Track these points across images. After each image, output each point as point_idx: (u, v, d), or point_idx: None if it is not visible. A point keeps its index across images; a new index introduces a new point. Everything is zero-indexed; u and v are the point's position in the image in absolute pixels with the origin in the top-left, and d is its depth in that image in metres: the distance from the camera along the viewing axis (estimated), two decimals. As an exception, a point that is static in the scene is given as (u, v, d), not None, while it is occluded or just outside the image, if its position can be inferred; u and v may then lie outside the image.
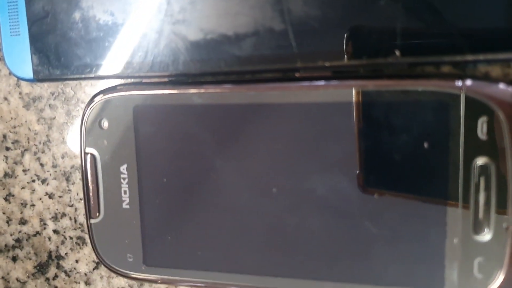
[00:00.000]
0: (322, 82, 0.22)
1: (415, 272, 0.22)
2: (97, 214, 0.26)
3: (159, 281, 0.25)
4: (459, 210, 0.21)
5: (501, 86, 0.20)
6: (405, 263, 0.22)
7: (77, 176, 0.28)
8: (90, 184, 0.25)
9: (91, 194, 0.26)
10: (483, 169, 0.20)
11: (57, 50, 0.25)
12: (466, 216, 0.21)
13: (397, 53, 0.21)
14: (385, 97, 0.21)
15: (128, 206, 0.25)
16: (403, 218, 0.22)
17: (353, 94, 0.21)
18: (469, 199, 0.21)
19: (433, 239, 0.21)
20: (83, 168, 0.25)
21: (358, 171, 0.22)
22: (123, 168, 0.25)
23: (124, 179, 0.25)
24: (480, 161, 0.20)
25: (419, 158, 0.21)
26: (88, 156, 0.25)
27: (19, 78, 0.26)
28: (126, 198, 0.25)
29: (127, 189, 0.25)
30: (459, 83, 0.20)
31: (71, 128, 0.28)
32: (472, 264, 0.21)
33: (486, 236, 0.21)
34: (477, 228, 0.21)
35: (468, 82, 0.20)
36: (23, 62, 0.26)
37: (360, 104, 0.21)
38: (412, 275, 0.22)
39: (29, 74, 0.26)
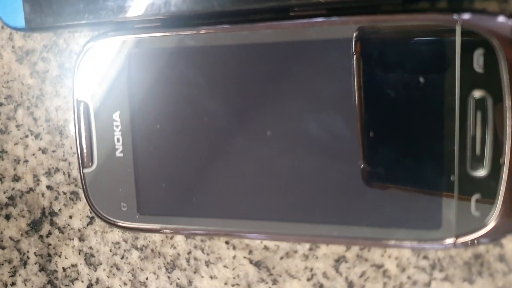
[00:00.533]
0: (317, 19, 0.22)
1: (411, 212, 0.21)
2: (90, 164, 0.25)
3: (154, 230, 0.25)
4: (455, 146, 0.20)
5: (500, 19, 0.20)
6: (401, 203, 0.22)
7: (70, 130, 0.28)
8: (83, 133, 0.25)
9: (84, 143, 0.25)
10: (480, 102, 0.20)
11: (49, -3, 0.25)
12: (463, 152, 0.20)
13: (392, -13, 0.20)
14: (381, 34, 0.21)
15: (121, 154, 0.25)
16: (398, 156, 0.21)
17: (348, 30, 0.21)
18: (466, 134, 0.20)
19: (429, 178, 0.21)
20: (76, 117, 0.25)
21: (355, 110, 0.21)
22: (116, 115, 0.25)
23: (117, 126, 0.25)
24: (477, 94, 0.20)
25: (415, 93, 0.21)
26: (81, 104, 0.25)
27: (11, 28, 0.26)
28: (119, 146, 0.25)
29: (120, 137, 0.25)
30: (455, 16, 0.20)
31: (65, 81, 0.28)
32: (470, 201, 0.21)
33: (482, 172, 0.20)
34: (474, 164, 0.20)
35: (466, 15, 0.20)
36: (15, 11, 0.25)
37: (357, 41, 0.21)
38: (408, 215, 0.21)
39: (22, 23, 0.25)
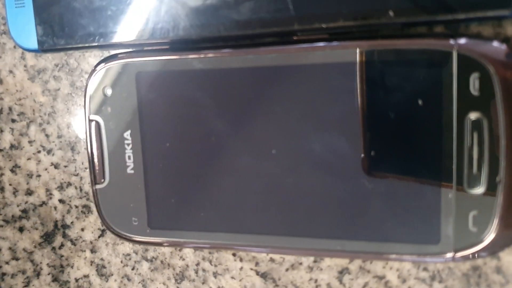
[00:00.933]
0: (319, 44, 0.22)
1: (411, 227, 0.22)
2: (102, 180, 0.26)
3: (164, 244, 0.26)
4: (453, 165, 0.21)
5: (495, 44, 0.21)
6: (402, 219, 0.23)
7: (81, 146, 0.29)
8: (95, 151, 0.26)
9: (96, 160, 0.26)
10: (476, 124, 0.21)
11: (61, 20, 0.25)
12: (460, 171, 0.21)
13: (391, 13, 0.21)
14: (379, 58, 0.22)
15: (132, 171, 0.26)
16: (398, 174, 0.22)
17: (349, 54, 0.22)
18: (463, 155, 0.21)
19: (428, 195, 0.22)
20: (88, 135, 0.26)
21: (357, 130, 0.22)
22: (127, 134, 0.26)
23: (128, 144, 0.26)
24: (473, 116, 0.21)
25: (414, 114, 0.22)
26: (93, 123, 0.26)
27: (24, 49, 0.27)
28: (130, 163, 0.26)
29: (131, 155, 0.26)
30: (452, 41, 0.21)
31: (76, 99, 0.29)
32: (467, 217, 0.22)
33: (479, 190, 0.21)
34: (471, 182, 0.21)
35: (461, 40, 0.21)
36: (28, 33, 0.26)
37: (357, 64, 0.22)
38: (409, 230, 0.22)
39: (34, 45, 0.26)
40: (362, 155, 0.23)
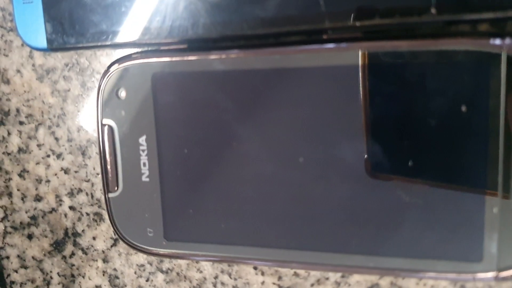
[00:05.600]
0: (351, 44, 0.21)
1: (453, 244, 0.21)
2: (116, 188, 0.25)
3: (181, 257, 0.24)
4: (499, 178, 0.20)
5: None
6: (443, 235, 0.21)
7: (93, 150, 0.27)
8: (107, 157, 0.25)
9: (109, 167, 0.25)
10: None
11: (72, 17, 0.24)
12: (507, 183, 0.20)
13: (433, 10, 0.19)
14: (418, 58, 0.20)
15: (147, 179, 0.24)
16: (439, 187, 0.20)
17: (383, 55, 0.20)
18: (510, 166, 0.19)
19: (471, 209, 0.20)
20: (101, 140, 0.24)
21: (394, 138, 0.21)
22: (142, 139, 0.24)
23: (143, 150, 0.24)
24: None
25: (457, 121, 0.20)
26: (106, 128, 0.24)
27: (32, 48, 0.25)
28: (145, 170, 0.24)
29: (146, 161, 0.24)
30: (498, 41, 0.19)
31: (87, 100, 0.27)
32: (512, 234, 0.20)
33: (527, 204, 0.19)
34: (518, 195, 0.20)
35: (508, 40, 0.19)
36: (36, 31, 0.25)
37: (392, 66, 0.20)
38: (450, 247, 0.21)
39: (43, 43, 0.25)
40: (399, 163, 0.21)
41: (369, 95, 0.21)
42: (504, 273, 0.20)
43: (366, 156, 0.21)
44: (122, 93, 0.24)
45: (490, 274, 0.20)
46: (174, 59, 0.23)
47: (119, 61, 0.24)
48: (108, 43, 0.24)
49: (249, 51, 0.22)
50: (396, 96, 0.20)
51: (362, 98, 0.21)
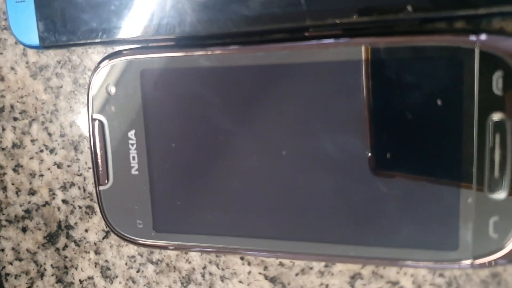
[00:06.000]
0: (332, 40, 0.21)
1: (428, 233, 0.21)
2: (106, 181, 0.25)
3: (170, 247, 0.25)
4: (473, 169, 0.20)
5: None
6: (418, 224, 0.21)
7: (85, 145, 0.28)
8: (98, 151, 0.25)
9: (99, 160, 0.25)
10: (499, 125, 0.20)
11: (63, 15, 0.25)
12: (481, 174, 0.20)
13: (409, 8, 0.20)
14: (396, 55, 0.21)
15: (137, 172, 0.25)
16: (415, 177, 0.21)
17: (363, 52, 0.21)
18: (484, 157, 0.20)
19: (447, 199, 0.21)
20: (91, 135, 0.25)
21: (368, 131, 0.21)
22: (131, 133, 0.25)
23: (132, 145, 0.25)
24: (496, 117, 0.20)
25: (432, 115, 0.21)
26: (96, 123, 0.25)
27: (25, 46, 0.26)
28: (134, 164, 0.25)
29: (135, 155, 0.25)
30: (473, 37, 0.20)
31: (78, 97, 0.28)
32: (487, 223, 0.21)
33: (501, 194, 0.20)
34: (492, 186, 0.20)
35: (483, 36, 0.20)
36: (29, 29, 0.25)
37: (370, 62, 0.21)
38: (426, 236, 0.21)
39: (36, 41, 0.25)
40: (370, 154, 0.21)
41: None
42: (479, 261, 0.21)
43: (346, 148, 0.22)
44: (112, 89, 0.25)
45: (466, 262, 0.21)
46: (162, 55, 0.24)
47: (108, 57, 0.24)
48: (98, 40, 0.24)
49: (234, 48, 0.23)
50: (376, 91, 0.21)
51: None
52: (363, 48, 0.21)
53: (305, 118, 0.22)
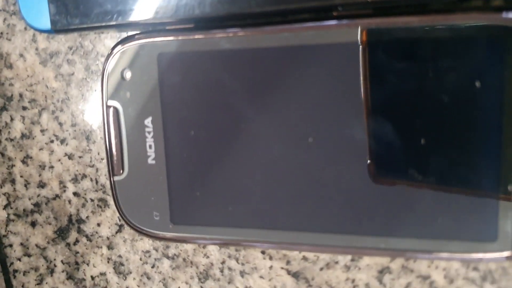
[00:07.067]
0: (361, 20, 0.20)
1: (465, 222, 0.20)
2: (121, 171, 0.24)
3: (188, 240, 0.24)
4: (514, 153, 0.19)
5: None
6: (454, 214, 0.20)
7: (97, 135, 0.27)
8: (113, 139, 0.24)
9: (114, 149, 0.24)
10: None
11: (76, -3, 0.23)
12: (522, 160, 0.19)
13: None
14: (430, 34, 0.20)
15: (153, 162, 0.24)
16: (452, 165, 0.20)
17: (394, 31, 0.20)
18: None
19: (485, 186, 0.20)
20: (106, 123, 0.24)
21: (408, 118, 0.20)
22: (148, 121, 0.24)
23: (149, 132, 0.24)
24: None
25: (471, 97, 0.19)
26: (111, 110, 0.24)
27: (36, 30, 0.24)
28: (151, 153, 0.24)
29: (152, 144, 0.24)
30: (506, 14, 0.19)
31: (91, 84, 0.27)
32: (528, 212, 0.19)
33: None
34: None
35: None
36: (40, 12, 0.24)
37: (405, 42, 0.20)
38: (463, 225, 0.20)
39: (47, 25, 0.24)
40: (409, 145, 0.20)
41: (374, 74, 0.20)
42: (520, 253, 0.20)
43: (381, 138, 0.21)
44: (127, 74, 0.23)
45: (506, 254, 0.20)
46: (180, 38, 0.22)
47: (124, 41, 0.23)
48: (113, 23, 0.23)
49: (257, 29, 0.22)
50: (406, 75, 0.20)
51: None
52: (388, 28, 0.20)
53: (336, 103, 0.21)
